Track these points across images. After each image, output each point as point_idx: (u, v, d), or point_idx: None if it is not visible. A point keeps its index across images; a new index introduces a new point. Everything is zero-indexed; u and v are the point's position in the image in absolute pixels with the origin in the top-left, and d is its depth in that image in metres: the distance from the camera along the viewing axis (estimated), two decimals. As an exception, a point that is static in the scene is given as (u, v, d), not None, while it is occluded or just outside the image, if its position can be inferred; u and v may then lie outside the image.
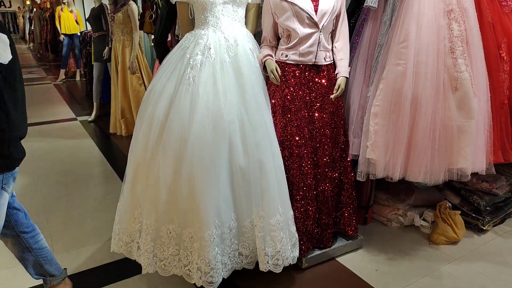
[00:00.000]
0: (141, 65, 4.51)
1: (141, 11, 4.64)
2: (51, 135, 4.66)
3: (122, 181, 2.10)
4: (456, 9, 2.19)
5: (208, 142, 1.85)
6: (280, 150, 2.07)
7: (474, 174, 2.34)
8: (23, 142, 1.60)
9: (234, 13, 2.09)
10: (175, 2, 2.14)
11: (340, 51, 2.20)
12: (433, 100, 2.15)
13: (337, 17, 2.18)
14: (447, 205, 2.57)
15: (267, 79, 2.19)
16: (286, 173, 2.04)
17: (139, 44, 4.47)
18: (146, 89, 4.42)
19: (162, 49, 2.43)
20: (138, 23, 4.36)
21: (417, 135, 2.16)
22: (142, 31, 4.60)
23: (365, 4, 2.24)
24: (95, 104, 5.36)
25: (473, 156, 2.20)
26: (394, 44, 2.18)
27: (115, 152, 4.19)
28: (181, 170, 1.84)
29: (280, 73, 2.10)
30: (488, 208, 2.60)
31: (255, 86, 2.02)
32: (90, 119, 5.34)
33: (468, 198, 2.66)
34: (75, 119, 5.45)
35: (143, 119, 2.00)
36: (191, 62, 1.97)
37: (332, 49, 2.22)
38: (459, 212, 2.57)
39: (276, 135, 2.07)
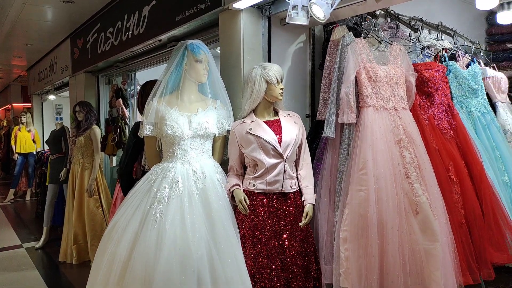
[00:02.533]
0: (100, 187, 4.38)
1: (103, 133, 4.70)
2: (-10, 267, 4.18)
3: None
4: (405, 138, 2.41)
5: (175, 282, 1.72)
6: (252, 284, 1.95)
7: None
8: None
9: (202, 146, 2.15)
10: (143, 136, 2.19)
11: (305, 179, 2.27)
12: (398, 224, 2.20)
13: (300, 146, 2.31)
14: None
15: (235, 208, 2.17)
16: (259, 312, 1.90)
17: (99, 166, 4.41)
18: (103, 212, 4.23)
19: (126, 180, 2.40)
20: (100, 146, 4.37)
21: (388, 260, 2.15)
22: (103, 153, 4.59)
23: (323, 134, 2.41)
24: (45, 229, 4.99)
25: (444, 280, 2.19)
26: (354, 171, 2.30)
27: (64, 286, 3.77)
28: (144, 317, 1.66)
29: (248, 203, 2.11)
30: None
31: (223, 217, 1.99)
32: (37, 246, 4.90)
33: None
34: (20, 246, 4.98)
35: (103, 259, 1.86)
36: (158, 196, 1.94)
37: (297, 177, 2.29)
38: None
39: (247, 268, 1.97)
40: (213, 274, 1.80)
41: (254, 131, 2.16)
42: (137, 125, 2.31)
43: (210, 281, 1.79)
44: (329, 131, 2.38)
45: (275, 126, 2.23)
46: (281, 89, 2.24)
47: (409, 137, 2.42)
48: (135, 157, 2.42)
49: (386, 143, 2.34)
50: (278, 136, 2.18)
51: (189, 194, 1.96)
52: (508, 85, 3.40)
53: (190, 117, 2.12)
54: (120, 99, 4.47)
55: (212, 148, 2.28)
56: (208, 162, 2.15)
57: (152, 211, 1.90)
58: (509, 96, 3.41)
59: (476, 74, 3.08)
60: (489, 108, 3.10)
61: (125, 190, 2.34)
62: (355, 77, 2.40)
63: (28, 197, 8.21)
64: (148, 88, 2.37)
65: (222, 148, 2.33)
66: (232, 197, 2.16)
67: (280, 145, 2.16)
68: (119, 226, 1.92)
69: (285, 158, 2.16)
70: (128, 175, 2.40)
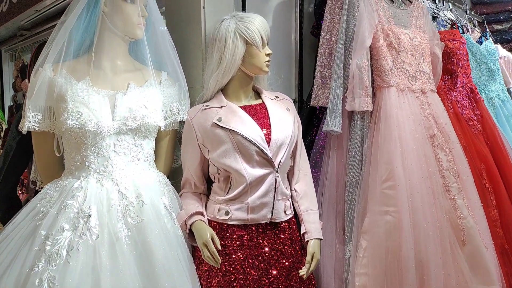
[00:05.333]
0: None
1: (6, 125, 3.55)
2: None
3: None
4: (438, 134, 1.71)
5: None
6: None
7: None
8: None
9: (137, 148, 1.24)
10: (27, 132, 1.22)
11: (304, 198, 1.46)
12: (441, 264, 1.48)
13: (295, 148, 1.49)
14: None
15: (194, 250, 1.31)
16: None
17: None
18: None
19: (5, 206, 1.41)
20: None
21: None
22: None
23: (324, 127, 1.62)
24: None
25: None
26: (374, 184, 1.55)
27: None
28: None
29: (219, 246, 1.24)
30: None
31: (176, 277, 1.11)
32: None
33: None
34: None
35: None
36: (48, 248, 1.02)
37: (291, 195, 1.47)
38: None
39: None
40: None
41: (226, 122, 1.31)
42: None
43: None
44: (334, 123, 1.59)
45: (259, 115, 1.39)
46: (268, 55, 1.39)
47: (442, 131, 1.73)
48: (20, 166, 1.44)
49: (418, 140, 1.62)
50: (265, 131, 1.34)
51: (111, 240, 1.06)
52: (517, 68, 2.84)
53: (115, 97, 1.20)
54: (27, 80, 3.34)
55: (155, 151, 1.38)
56: (148, 177, 1.25)
57: (34, 279, 0.97)
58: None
59: (493, 52, 2.48)
60: (508, 94, 2.51)
61: (4, 224, 1.36)
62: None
63: None
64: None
65: (171, 150, 1.44)
66: (190, 234, 1.29)
67: (269, 146, 1.32)
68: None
69: (276, 166, 1.33)
70: (10, 198, 1.41)
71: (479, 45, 2.41)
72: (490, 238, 1.67)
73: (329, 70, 1.75)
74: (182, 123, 1.43)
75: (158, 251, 1.11)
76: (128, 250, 1.07)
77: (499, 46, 2.72)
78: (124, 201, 1.13)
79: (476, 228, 1.59)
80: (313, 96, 1.77)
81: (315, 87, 1.77)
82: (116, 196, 1.13)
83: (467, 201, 1.64)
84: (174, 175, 1.49)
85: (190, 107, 1.44)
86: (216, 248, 1.22)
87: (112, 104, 1.18)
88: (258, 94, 1.49)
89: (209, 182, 1.45)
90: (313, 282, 1.42)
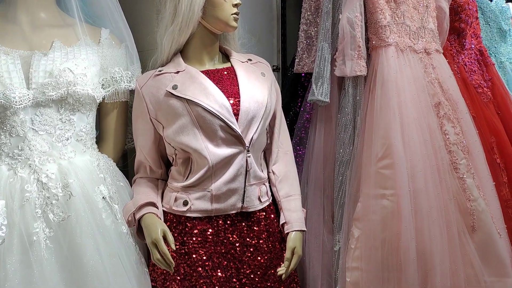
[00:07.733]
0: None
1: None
2: None
3: None
4: (445, 101, 1.46)
5: None
6: None
7: None
8: None
9: (65, 124, 0.99)
10: None
11: (284, 181, 1.22)
12: (447, 255, 1.26)
13: (273, 120, 1.23)
14: None
15: (146, 250, 1.07)
16: None
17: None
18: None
19: None
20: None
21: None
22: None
23: (309, 97, 1.37)
24: None
25: None
26: (368, 162, 1.32)
27: None
28: None
29: (173, 245, 1.00)
30: None
31: (116, 287, 0.87)
32: None
33: None
34: None
35: None
36: None
37: (268, 178, 1.22)
38: None
39: None
40: None
41: (183, 90, 1.06)
42: None
43: None
44: (320, 91, 1.35)
45: (226, 81, 1.13)
46: (235, 5, 1.12)
47: (449, 99, 1.49)
48: None
49: (421, 110, 1.38)
50: (232, 101, 1.08)
51: (23, 245, 0.82)
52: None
53: (30, 59, 0.94)
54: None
55: (101, 129, 1.12)
56: (81, 162, 1.00)
57: None
58: None
59: (505, 10, 2.21)
60: (520, 58, 2.24)
61: None
62: (364, -5, 1.37)
63: None
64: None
65: (120, 127, 1.18)
66: (139, 230, 1.05)
67: (237, 119, 1.07)
68: None
69: (247, 144, 1.08)
70: None
71: (489, 1, 2.13)
72: (503, 223, 1.45)
73: (315, 29, 1.48)
74: (132, 92, 1.17)
75: (91, 255, 0.87)
76: (49, 256, 0.83)
77: (510, 4, 2.43)
78: (44, 192, 0.88)
79: (488, 211, 1.37)
80: (296, 60, 1.50)
81: (299, 49, 1.50)
82: (34, 187, 0.88)
83: (477, 180, 1.40)
84: (127, 158, 1.25)
85: (144, 71, 1.18)
86: (170, 249, 0.98)
87: (27, 67, 0.92)
88: (226, 57, 1.22)
89: (168, 165, 1.20)
90: (295, 280, 1.20)
